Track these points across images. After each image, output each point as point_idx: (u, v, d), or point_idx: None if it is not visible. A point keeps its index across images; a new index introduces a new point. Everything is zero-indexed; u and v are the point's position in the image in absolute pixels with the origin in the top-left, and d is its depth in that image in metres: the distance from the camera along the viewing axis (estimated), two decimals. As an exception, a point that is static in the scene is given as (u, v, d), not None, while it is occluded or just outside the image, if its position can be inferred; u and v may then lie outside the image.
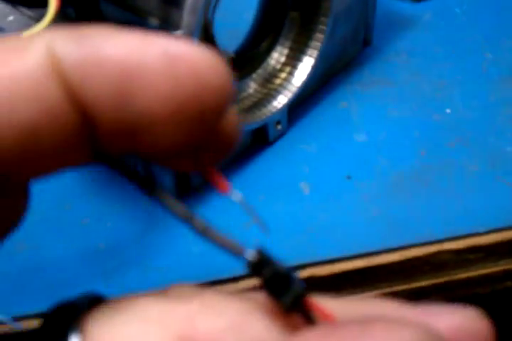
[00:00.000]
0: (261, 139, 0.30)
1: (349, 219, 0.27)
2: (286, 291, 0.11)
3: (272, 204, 0.28)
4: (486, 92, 0.34)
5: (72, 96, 0.10)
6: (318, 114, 0.32)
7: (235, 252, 0.11)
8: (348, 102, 0.33)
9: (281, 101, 0.29)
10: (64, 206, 0.29)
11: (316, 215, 0.27)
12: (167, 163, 0.12)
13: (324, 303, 0.12)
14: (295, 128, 0.31)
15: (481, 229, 0.27)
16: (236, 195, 0.12)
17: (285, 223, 0.27)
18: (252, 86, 0.29)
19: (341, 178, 0.29)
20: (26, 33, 0.18)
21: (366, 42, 0.36)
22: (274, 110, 0.29)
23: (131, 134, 0.11)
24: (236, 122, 0.12)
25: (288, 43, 0.30)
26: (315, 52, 0.29)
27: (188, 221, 0.12)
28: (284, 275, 0.11)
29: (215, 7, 0.25)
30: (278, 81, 0.29)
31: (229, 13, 0.26)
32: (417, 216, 0.27)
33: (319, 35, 0.29)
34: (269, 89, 0.29)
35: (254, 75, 0.29)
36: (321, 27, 0.29)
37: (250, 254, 0.11)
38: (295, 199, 0.28)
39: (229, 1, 0.26)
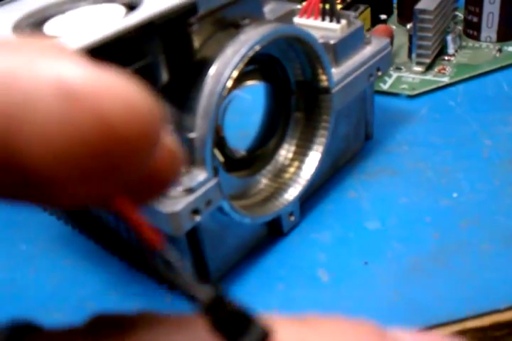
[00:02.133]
0: (275, 231, 0.31)
1: (370, 305, 0.27)
2: (246, 335, 0.10)
3: (292, 292, 0.28)
4: (490, 176, 0.35)
5: None
6: (328, 205, 0.34)
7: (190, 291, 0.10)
8: (356, 192, 0.34)
9: (292, 193, 0.30)
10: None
11: (337, 302, 0.28)
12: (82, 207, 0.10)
13: None
14: (308, 219, 0.32)
15: (502, 306, 0.27)
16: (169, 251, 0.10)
17: (306, 311, 0.27)
18: (262, 181, 0.30)
19: (359, 264, 0.29)
20: None
21: (368, 137, 0.39)
22: (286, 202, 0.30)
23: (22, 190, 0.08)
24: (172, 154, 0.10)
25: (294, 141, 0.32)
26: (320, 148, 0.31)
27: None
28: (242, 316, 0.10)
29: (224, 111, 0.27)
30: (287, 175, 0.31)
31: (238, 116, 0.29)
32: (437, 296, 0.27)
33: (323, 132, 0.31)
34: (280, 183, 0.31)
35: (264, 171, 0.31)
36: (324, 124, 0.31)
37: (204, 292, 0.10)
38: (314, 287, 0.28)
39: (237, 106, 0.28)
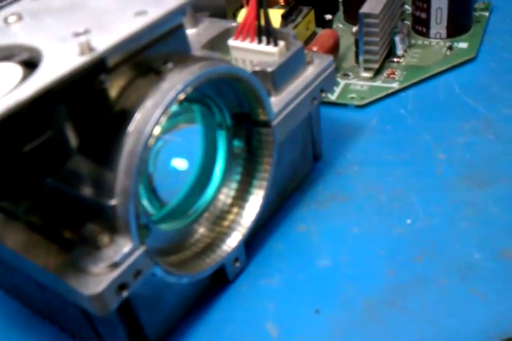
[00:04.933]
0: (220, 279, 0.29)
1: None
2: None
3: (240, 353, 0.26)
4: (444, 196, 0.33)
5: None
6: (277, 242, 0.31)
7: None
8: (306, 225, 0.32)
9: (235, 238, 0.28)
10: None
11: (288, 360, 0.26)
12: None
13: None
14: (255, 261, 0.30)
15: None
16: None
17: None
18: (199, 230, 0.28)
19: (309, 313, 0.28)
20: None
21: (316, 158, 0.36)
22: (229, 250, 0.28)
23: None
24: None
25: (234, 184, 0.29)
26: (261, 192, 0.29)
27: None
28: None
29: (155, 158, 0.25)
30: (231, 217, 0.29)
31: (170, 165, 0.26)
32: (394, 347, 0.26)
33: (266, 167, 0.29)
34: (222, 226, 0.28)
35: (200, 219, 0.28)
36: (267, 159, 0.29)
37: None
38: (263, 344, 0.27)
39: (169, 151, 0.26)
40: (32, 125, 0.18)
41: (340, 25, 0.51)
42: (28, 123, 0.18)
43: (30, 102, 0.17)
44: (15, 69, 0.20)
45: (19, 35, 0.22)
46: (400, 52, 0.46)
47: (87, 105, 0.20)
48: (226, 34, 0.33)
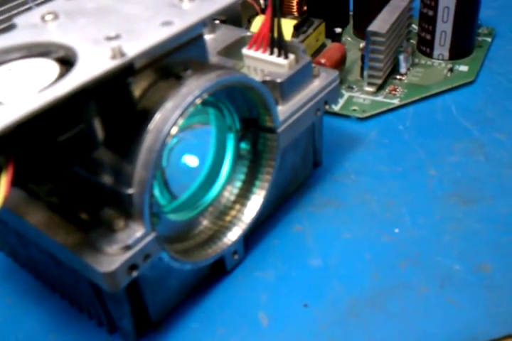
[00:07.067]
0: (218, 269, 0.31)
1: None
2: None
3: (232, 337, 0.28)
4: (432, 210, 0.36)
5: None
6: (274, 239, 0.34)
7: None
8: (301, 225, 0.35)
9: (234, 234, 0.30)
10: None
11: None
12: None
13: None
14: (252, 255, 0.33)
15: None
16: None
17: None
18: (203, 222, 0.30)
19: (298, 307, 0.30)
20: None
21: (316, 164, 0.39)
22: (229, 243, 0.30)
23: None
24: None
25: (238, 183, 0.31)
26: (263, 192, 0.31)
27: None
28: None
29: (169, 154, 0.27)
30: (233, 212, 0.31)
31: (182, 161, 0.28)
32: (372, 343, 0.28)
33: (268, 169, 0.31)
34: (224, 221, 0.31)
35: (205, 212, 0.30)
36: (270, 162, 0.31)
37: None
38: (254, 332, 0.29)
39: (183, 148, 0.28)
40: (66, 118, 0.20)
41: (349, 39, 0.53)
42: (63, 117, 0.20)
43: (67, 98, 0.19)
44: (52, 66, 0.22)
45: (55, 33, 0.24)
46: (403, 70, 0.48)
47: (113, 103, 0.23)
48: (241, 42, 0.36)
